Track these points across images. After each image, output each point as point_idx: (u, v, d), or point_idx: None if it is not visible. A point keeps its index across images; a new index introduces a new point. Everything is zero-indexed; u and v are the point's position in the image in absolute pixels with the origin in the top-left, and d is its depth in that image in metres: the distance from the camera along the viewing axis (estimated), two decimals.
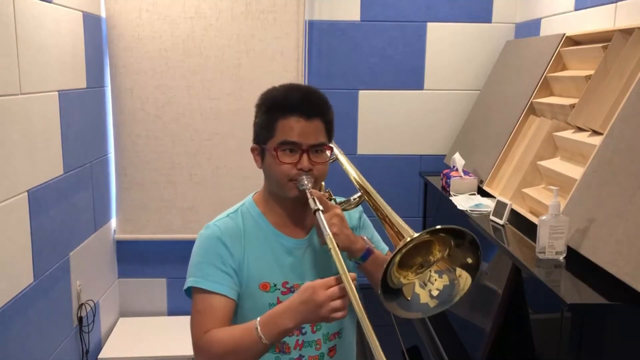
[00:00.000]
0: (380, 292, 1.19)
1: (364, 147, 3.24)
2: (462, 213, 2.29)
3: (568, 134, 2.10)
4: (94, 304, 2.81)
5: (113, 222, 3.15)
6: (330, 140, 1.46)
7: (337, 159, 1.69)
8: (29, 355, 2.12)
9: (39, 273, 2.20)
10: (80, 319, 2.62)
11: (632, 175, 1.59)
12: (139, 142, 3.07)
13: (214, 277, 1.37)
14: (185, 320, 3.50)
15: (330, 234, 1.26)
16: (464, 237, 1.21)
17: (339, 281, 1.19)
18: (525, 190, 2.19)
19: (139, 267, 3.22)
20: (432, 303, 1.25)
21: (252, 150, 1.47)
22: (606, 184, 1.68)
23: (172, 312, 3.26)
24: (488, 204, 2.29)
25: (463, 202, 2.38)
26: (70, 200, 2.52)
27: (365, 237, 1.46)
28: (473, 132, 2.99)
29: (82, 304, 2.63)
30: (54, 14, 2.35)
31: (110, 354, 2.84)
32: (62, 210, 2.43)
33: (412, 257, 1.25)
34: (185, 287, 1.41)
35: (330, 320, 1.21)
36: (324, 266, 1.47)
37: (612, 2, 2.14)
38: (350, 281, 1.17)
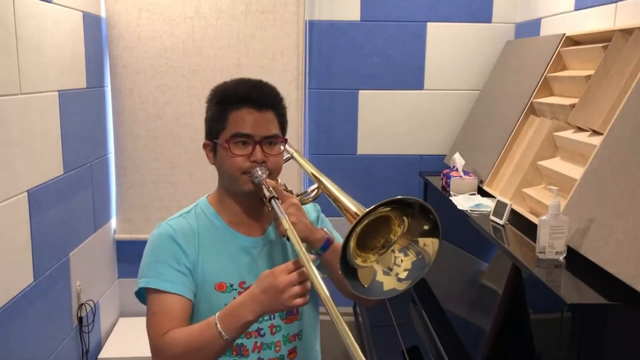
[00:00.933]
0: (340, 269, 1.11)
1: (364, 147, 3.24)
2: (462, 213, 2.29)
3: (568, 134, 2.10)
4: (94, 304, 2.81)
5: (113, 222, 3.15)
6: (284, 133, 1.42)
7: (292, 156, 1.63)
8: (29, 355, 2.12)
9: (38, 273, 2.20)
10: (80, 319, 2.62)
11: (632, 175, 1.59)
12: (139, 142, 3.07)
13: (168, 277, 1.33)
14: None
15: (286, 216, 1.24)
16: (411, 206, 1.14)
17: (298, 265, 1.15)
18: (525, 190, 2.19)
19: (139, 267, 3.21)
20: (400, 286, 1.17)
21: (204, 146, 1.44)
22: (606, 184, 1.68)
23: None
24: (488, 204, 2.29)
25: (463, 202, 2.38)
26: (70, 200, 2.52)
27: (325, 228, 1.41)
28: (473, 132, 2.99)
29: (82, 304, 2.63)
30: (54, 14, 2.35)
31: (110, 354, 2.84)
32: (62, 210, 2.43)
33: (372, 238, 1.18)
34: (136, 288, 1.37)
35: (292, 307, 1.17)
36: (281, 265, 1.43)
37: (612, 2, 2.14)
38: (309, 260, 1.13)
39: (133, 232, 3.14)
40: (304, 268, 1.15)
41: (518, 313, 1.79)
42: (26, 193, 2.10)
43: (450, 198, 2.48)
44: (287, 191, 1.43)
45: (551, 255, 1.69)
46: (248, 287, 1.31)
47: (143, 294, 1.39)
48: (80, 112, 2.65)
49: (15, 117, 2.02)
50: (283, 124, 1.42)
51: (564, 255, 1.70)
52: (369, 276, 1.17)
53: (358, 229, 1.12)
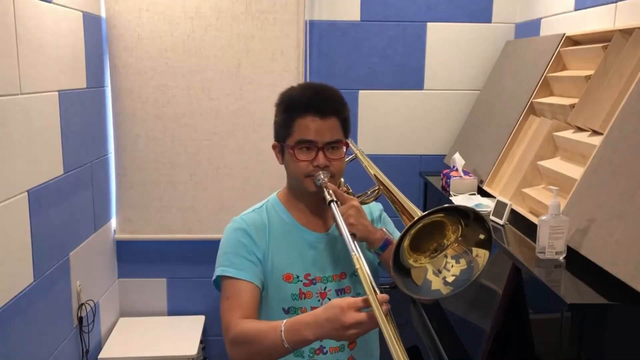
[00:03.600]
0: (392, 265, 1.19)
1: (364, 147, 3.24)
2: None
3: (568, 134, 2.10)
4: (94, 304, 2.81)
5: (113, 222, 3.15)
6: (346, 137, 1.51)
7: (355, 157, 1.75)
8: (29, 355, 2.12)
9: (39, 273, 2.20)
10: (80, 319, 2.62)
11: (632, 175, 1.59)
12: (139, 142, 3.06)
13: (240, 266, 1.44)
14: (186, 320, 3.50)
15: (355, 249, 1.27)
16: (467, 215, 1.21)
17: (367, 303, 1.17)
18: (525, 190, 2.19)
19: (139, 267, 3.22)
20: (445, 290, 1.24)
21: (273, 147, 1.55)
22: (606, 184, 1.68)
23: (172, 312, 3.26)
24: (488, 204, 2.29)
25: (463, 202, 2.38)
26: (70, 200, 2.52)
27: (384, 229, 1.49)
28: (473, 132, 2.99)
29: (82, 304, 2.63)
30: (54, 14, 2.35)
31: (110, 354, 2.84)
32: (62, 210, 2.43)
33: (426, 242, 1.26)
34: (213, 277, 1.48)
35: (351, 340, 1.24)
36: (343, 260, 1.51)
37: (612, 2, 2.14)
38: (378, 305, 1.13)
39: (133, 232, 3.14)
40: (371, 311, 1.15)
41: (518, 313, 1.79)
42: (26, 193, 2.10)
43: (450, 198, 2.48)
44: (348, 193, 1.55)
45: (551, 255, 1.69)
46: (313, 280, 1.49)
47: (219, 283, 1.48)
48: (80, 112, 2.65)
49: (15, 117, 2.02)
50: (346, 128, 1.51)
51: (564, 255, 1.70)
52: (421, 275, 1.25)
53: (412, 231, 1.19)
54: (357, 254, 1.26)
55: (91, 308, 2.75)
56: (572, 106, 2.10)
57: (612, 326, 1.47)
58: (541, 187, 2.19)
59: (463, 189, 2.55)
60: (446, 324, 2.19)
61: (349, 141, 1.55)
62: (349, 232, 1.35)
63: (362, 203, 1.55)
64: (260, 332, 1.31)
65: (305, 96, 1.47)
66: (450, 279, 1.25)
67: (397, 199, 1.41)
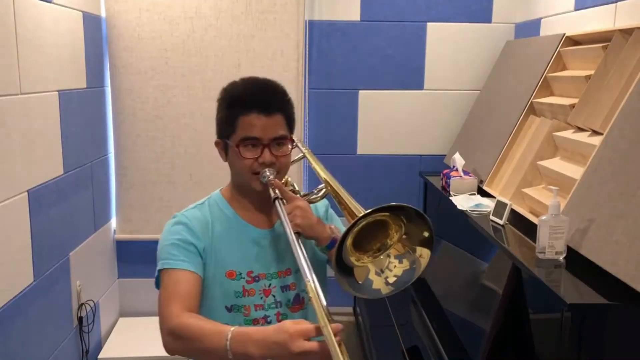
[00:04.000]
0: (334, 265, 1.21)
1: (364, 147, 3.24)
2: (462, 213, 2.29)
3: (568, 134, 2.10)
4: (94, 304, 2.81)
5: (113, 222, 3.15)
6: (291, 132, 1.49)
7: (304, 156, 1.73)
8: (29, 355, 2.12)
9: (39, 273, 2.20)
10: (80, 319, 2.62)
11: (632, 175, 1.59)
12: (139, 142, 3.06)
13: (178, 257, 1.39)
14: None
15: (289, 222, 1.32)
16: (407, 211, 1.21)
17: (319, 332, 1.09)
18: (525, 190, 2.19)
19: (139, 267, 3.22)
20: (385, 289, 1.26)
21: (216, 144, 1.51)
22: (606, 184, 1.68)
23: None
24: (488, 204, 2.29)
25: (463, 202, 2.38)
26: (70, 200, 2.52)
27: (332, 226, 1.47)
28: (473, 132, 2.99)
29: (82, 304, 2.63)
30: (54, 14, 2.35)
31: (110, 354, 2.84)
32: (62, 210, 2.43)
33: (370, 241, 1.27)
34: (155, 274, 1.41)
35: None
36: (287, 256, 1.48)
37: (612, 2, 2.14)
38: (332, 335, 1.06)
39: (133, 232, 3.14)
40: (323, 339, 1.09)
41: (518, 313, 1.79)
42: (26, 193, 2.10)
43: (450, 198, 2.48)
44: (294, 192, 1.52)
45: (551, 255, 1.69)
46: (255, 277, 1.45)
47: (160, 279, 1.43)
48: (80, 112, 2.65)
49: (15, 117, 2.02)
50: (291, 124, 1.49)
51: (564, 255, 1.70)
52: (363, 274, 1.26)
53: (355, 229, 1.20)
54: (311, 283, 1.17)
55: (91, 308, 2.75)
56: (572, 106, 2.10)
57: (612, 326, 1.47)
58: (541, 187, 2.19)
59: (463, 189, 2.55)
60: (446, 324, 2.19)
61: (295, 139, 1.53)
62: (294, 231, 1.34)
63: (310, 202, 1.52)
64: (204, 331, 1.23)
65: (249, 93, 1.45)
66: (391, 280, 1.26)
67: (342, 199, 1.40)
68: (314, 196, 1.57)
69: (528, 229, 1.97)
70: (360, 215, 1.19)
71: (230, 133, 1.43)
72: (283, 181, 1.51)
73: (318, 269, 1.39)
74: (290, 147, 1.48)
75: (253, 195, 1.49)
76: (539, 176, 2.22)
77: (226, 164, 1.53)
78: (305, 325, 1.13)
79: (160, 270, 1.39)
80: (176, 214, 1.50)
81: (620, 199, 1.59)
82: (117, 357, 2.83)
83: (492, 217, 2.13)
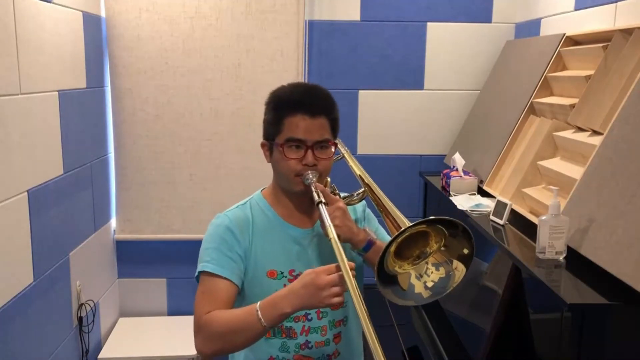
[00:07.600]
0: (376, 277, 1.24)
1: (364, 147, 3.24)
2: (462, 213, 2.28)
3: (568, 134, 2.10)
4: (94, 304, 2.81)
5: (113, 222, 3.15)
6: (335, 137, 1.52)
7: (343, 156, 1.78)
8: (29, 355, 2.12)
9: (38, 273, 2.20)
10: (80, 319, 2.62)
11: (632, 175, 1.59)
12: (139, 142, 3.06)
13: (219, 262, 1.44)
14: (186, 320, 3.49)
15: (331, 224, 1.33)
16: (456, 227, 1.26)
17: (339, 268, 1.23)
18: (525, 190, 2.19)
19: (139, 267, 3.22)
20: (425, 294, 1.30)
21: (262, 145, 1.55)
22: (606, 184, 1.68)
23: (172, 312, 3.26)
24: (488, 204, 2.29)
25: (463, 202, 2.38)
26: (70, 200, 2.52)
27: (368, 229, 1.52)
28: (473, 132, 2.99)
29: (82, 304, 2.63)
30: (54, 14, 2.35)
31: (110, 354, 2.84)
32: (62, 210, 2.43)
33: (409, 249, 1.31)
34: (195, 274, 1.47)
35: (328, 305, 1.26)
36: (329, 255, 1.50)
37: (612, 2, 2.14)
38: (348, 269, 1.22)
39: (133, 232, 3.14)
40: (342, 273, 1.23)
41: (518, 313, 1.79)
42: (26, 193, 2.10)
43: (450, 198, 2.48)
44: (335, 194, 1.56)
45: (551, 255, 1.69)
46: (297, 275, 1.46)
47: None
48: (80, 112, 2.65)
49: (15, 117, 2.02)
50: (334, 128, 1.52)
51: (564, 255, 1.70)
52: (406, 280, 1.31)
53: (399, 239, 1.25)
54: (330, 225, 1.31)
55: (91, 308, 2.75)
56: (572, 106, 2.10)
57: (612, 326, 1.47)
58: (541, 187, 2.19)
59: (463, 189, 2.55)
60: (446, 324, 2.19)
61: (338, 141, 1.56)
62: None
63: (348, 204, 1.56)
64: (234, 318, 1.33)
65: (296, 95, 1.48)
66: (430, 284, 1.31)
67: (382, 202, 1.45)
68: (352, 199, 1.62)
69: (528, 229, 1.97)
70: (406, 226, 1.24)
71: (276, 134, 1.47)
72: (323, 183, 1.54)
73: (356, 271, 1.43)
74: (333, 150, 1.51)
75: (294, 196, 1.53)
76: (539, 176, 2.22)
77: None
78: (326, 265, 1.26)
79: (200, 272, 1.45)
80: (219, 215, 1.54)
81: (620, 199, 1.59)
82: (117, 357, 2.83)
83: (492, 217, 2.13)
